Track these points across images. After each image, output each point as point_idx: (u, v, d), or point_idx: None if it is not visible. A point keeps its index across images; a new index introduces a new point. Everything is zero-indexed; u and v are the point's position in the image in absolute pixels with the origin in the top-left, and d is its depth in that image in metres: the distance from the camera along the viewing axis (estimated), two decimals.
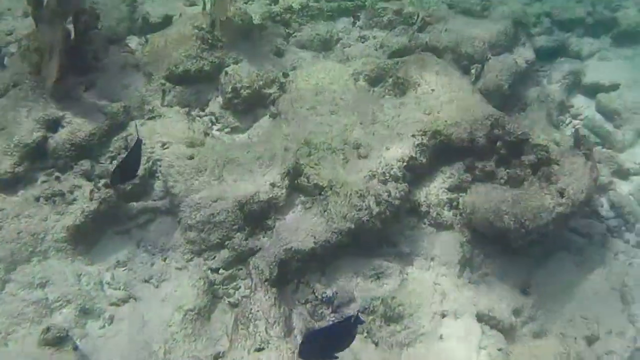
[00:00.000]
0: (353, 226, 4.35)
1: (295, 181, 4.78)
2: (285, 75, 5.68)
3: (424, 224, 4.78)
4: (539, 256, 4.80)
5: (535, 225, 4.38)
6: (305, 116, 5.21)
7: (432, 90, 5.34)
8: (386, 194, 4.49)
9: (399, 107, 5.26)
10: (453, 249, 4.65)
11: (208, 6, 5.78)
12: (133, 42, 6.09)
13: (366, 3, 6.82)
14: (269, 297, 4.02)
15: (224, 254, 4.47)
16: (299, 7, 6.58)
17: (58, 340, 3.76)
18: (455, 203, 4.85)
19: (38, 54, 5.00)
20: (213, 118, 5.48)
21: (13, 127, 4.71)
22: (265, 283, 4.08)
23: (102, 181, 4.60)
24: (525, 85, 6.29)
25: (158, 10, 6.38)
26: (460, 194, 4.87)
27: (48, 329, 3.78)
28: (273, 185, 4.66)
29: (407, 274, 4.50)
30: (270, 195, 4.61)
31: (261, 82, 5.49)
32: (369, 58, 5.91)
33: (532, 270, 4.74)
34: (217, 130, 5.42)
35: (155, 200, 4.81)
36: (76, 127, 4.79)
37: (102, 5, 6.19)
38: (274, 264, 4.18)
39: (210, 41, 5.60)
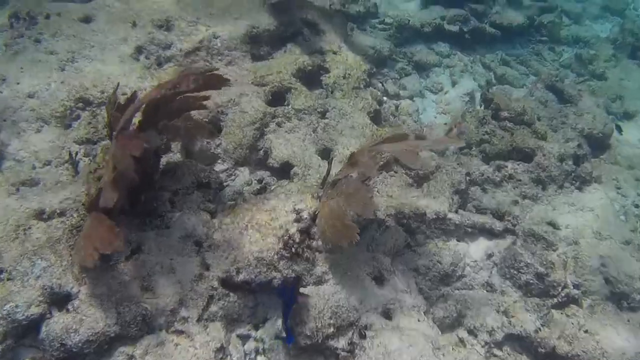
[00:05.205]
0: None
1: None
2: (362, 335, 4.12)
3: None
4: None
5: None
6: None
7: None
8: None
9: None
10: None
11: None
12: (242, 176, 5.09)
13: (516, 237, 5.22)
14: None
15: None
16: (433, 216, 5.07)
17: None
18: None
19: (97, 183, 3.78)
20: (261, 347, 4.04)
21: (17, 285, 3.60)
22: None
23: None
24: None
25: (282, 150, 5.25)
26: None
27: None
28: None
29: None
30: None
31: (331, 330, 4.02)
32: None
33: None
34: None
35: None
36: (77, 321, 3.53)
37: (229, 120, 5.35)
38: None
39: (295, 250, 4.37)
